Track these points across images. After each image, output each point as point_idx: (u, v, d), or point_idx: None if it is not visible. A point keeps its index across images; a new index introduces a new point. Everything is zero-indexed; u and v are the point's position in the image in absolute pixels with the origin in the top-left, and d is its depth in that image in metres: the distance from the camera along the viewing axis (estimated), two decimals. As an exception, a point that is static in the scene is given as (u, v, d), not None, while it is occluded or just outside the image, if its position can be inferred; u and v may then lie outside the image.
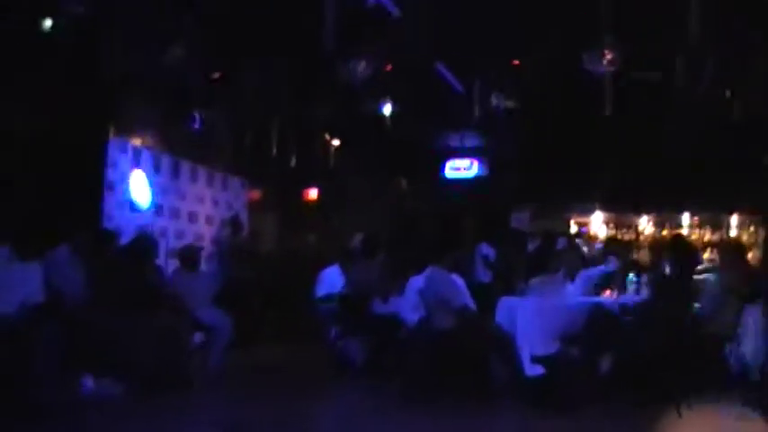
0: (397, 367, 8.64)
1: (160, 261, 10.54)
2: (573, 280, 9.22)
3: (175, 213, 12.49)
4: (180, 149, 12.80)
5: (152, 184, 11.81)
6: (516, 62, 11.70)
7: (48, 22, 9.54)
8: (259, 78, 11.58)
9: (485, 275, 12.28)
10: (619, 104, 10.99)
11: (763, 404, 6.78)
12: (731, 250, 9.13)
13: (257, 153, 13.56)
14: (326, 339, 10.42)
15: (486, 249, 12.68)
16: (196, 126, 12.40)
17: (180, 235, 12.46)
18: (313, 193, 17.03)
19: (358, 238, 11.31)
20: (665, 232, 16.37)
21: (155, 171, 11.95)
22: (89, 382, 7.04)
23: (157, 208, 11.97)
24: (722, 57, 10.14)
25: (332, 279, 10.48)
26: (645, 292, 8.90)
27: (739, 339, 7.52)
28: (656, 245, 12.79)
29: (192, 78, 11.32)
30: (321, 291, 10.46)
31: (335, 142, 15.88)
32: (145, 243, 8.76)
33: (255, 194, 15.33)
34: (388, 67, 10.77)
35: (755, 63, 10.41)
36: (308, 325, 11.07)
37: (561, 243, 11.84)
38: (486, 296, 9.41)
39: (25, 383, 6.05)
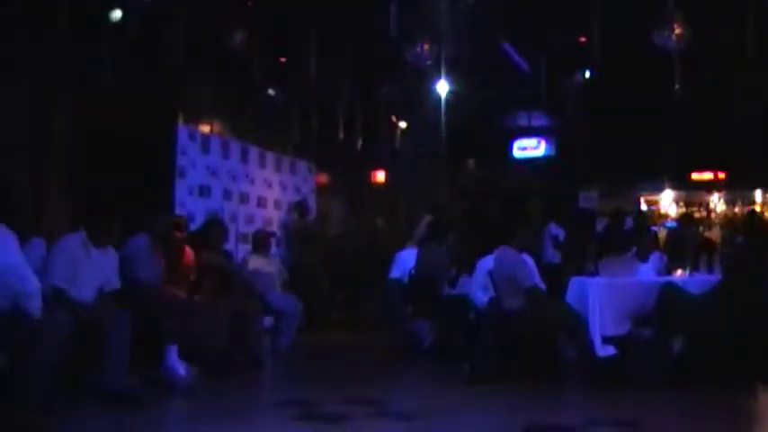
0: (467, 349, 8.63)
1: (230, 246, 10.69)
2: (645, 260, 9.09)
3: (244, 198, 12.62)
4: (248, 134, 12.94)
5: (221, 170, 11.96)
6: (584, 39, 11.55)
7: (117, 13, 9.72)
8: (325, 62, 11.63)
9: (554, 256, 12.22)
10: (688, 81, 10.82)
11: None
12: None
13: (324, 137, 13.63)
14: (396, 322, 10.45)
15: (555, 230, 12.60)
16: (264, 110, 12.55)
17: (249, 219, 12.60)
18: (380, 176, 17.09)
19: (426, 221, 11.32)
20: (736, 210, 16.11)
21: (223, 157, 12.09)
22: (178, 365, 7.16)
23: (226, 193, 12.11)
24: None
25: (407, 261, 10.50)
26: (718, 271, 8.76)
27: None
28: (729, 222, 12.54)
29: (258, 63, 11.40)
30: (396, 272, 10.49)
31: (402, 124, 15.90)
32: (216, 228, 8.87)
33: (323, 178, 15.43)
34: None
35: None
36: (378, 308, 11.13)
37: (628, 223, 11.70)
38: (555, 276, 9.36)
39: (102, 370, 6.15)
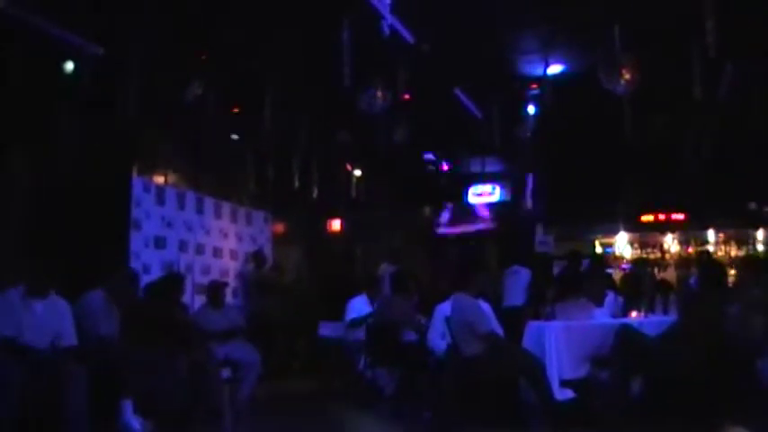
0: (427, 395, 8.64)
1: (186, 297, 10.63)
2: (600, 303, 9.19)
3: (200, 249, 12.59)
4: (203, 185, 12.94)
5: (177, 221, 11.94)
6: (534, 85, 11.75)
7: (69, 65, 9.71)
8: (279, 111, 11.69)
9: (516, 298, 12.19)
10: (640, 122, 11.01)
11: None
12: (753, 265, 9.05)
13: (279, 186, 13.66)
14: (356, 369, 10.45)
15: (522, 270, 12.68)
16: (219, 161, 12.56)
17: (205, 270, 12.56)
18: (336, 224, 17.12)
19: (384, 268, 11.38)
20: (690, 250, 16.33)
21: (179, 208, 12.07)
22: (134, 420, 7.08)
23: (182, 244, 12.07)
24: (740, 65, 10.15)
25: (359, 307, 10.57)
26: (673, 311, 8.87)
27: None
28: (683, 262, 12.71)
29: (213, 114, 11.43)
30: (349, 316, 10.54)
31: (357, 172, 15.97)
32: (172, 281, 8.83)
33: (279, 227, 15.43)
34: (406, 96, 10.81)
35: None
36: (337, 356, 11.11)
37: (585, 265, 11.82)
38: (516, 320, 9.42)
39: (58, 422, 6.08)
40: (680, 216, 16.53)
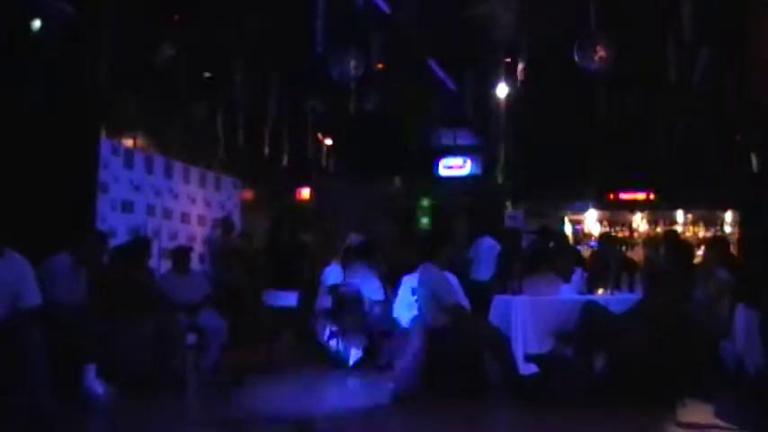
0: (391, 366, 8.68)
1: (153, 262, 10.58)
2: (567, 279, 9.25)
3: (168, 214, 12.52)
4: (172, 150, 12.85)
5: (145, 185, 11.86)
6: (508, 59, 11.73)
7: (37, 23, 9.55)
8: (250, 77, 11.60)
9: (486, 272, 12.21)
10: (612, 101, 11.06)
11: (757, 404, 6.82)
12: (719, 246, 9.13)
13: (250, 153, 13.59)
14: (322, 338, 10.50)
15: (492, 242, 12.71)
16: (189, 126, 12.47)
17: (173, 236, 12.50)
18: (305, 193, 17.09)
19: (353, 238, 11.39)
20: (659, 229, 16.47)
21: (147, 172, 11.98)
22: (96, 385, 7.05)
23: (150, 208, 12.00)
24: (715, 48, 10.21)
25: (335, 275, 10.66)
26: (639, 290, 8.94)
27: (733, 336, 7.53)
28: (651, 241, 12.79)
29: (183, 78, 11.32)
30: (326, 283, 10.64)
31: (328, 141, 15.93)
32: (139, 245, 8.79)
33: (248, 195, 15.37)
34: (380, 65, 10.78)
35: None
36: (304, 325, 11.13)
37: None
38: (483, 294, 9.47)
39: (19, 388, 6.03)
40: (649, 195, 16.67)
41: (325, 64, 10.09)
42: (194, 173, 13.41)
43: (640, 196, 16.80)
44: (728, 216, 16.16)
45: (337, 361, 10.09)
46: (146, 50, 10.34)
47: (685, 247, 9.85)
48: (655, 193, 16.56)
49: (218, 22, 10.40)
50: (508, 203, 16.46)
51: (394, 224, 16.15)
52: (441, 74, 12.84)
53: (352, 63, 10.02)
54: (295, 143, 14.14)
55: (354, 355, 10.00)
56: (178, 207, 12.84)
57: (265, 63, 11.59)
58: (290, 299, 10.88)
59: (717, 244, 9.27)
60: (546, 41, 10.72)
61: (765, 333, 7.13)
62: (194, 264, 11.08)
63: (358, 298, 10.03)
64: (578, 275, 9.46)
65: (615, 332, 7.66)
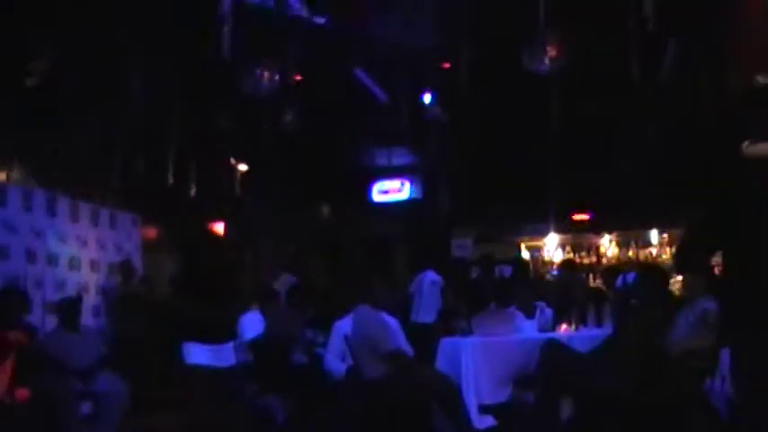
0: (323, 424, 8.58)
1: (35, 318, 10.35)
2: (530, 315, 9.25)
3: (53, 260, 12.29)
4: (56, 183, 12.63)
5: (22, 226, 11.63)
6: (447, 65, 11.78)
7: None
8: (148, 92, 11.48)
9: (427, 314, 12.20)
10: (570, 106, 11.13)
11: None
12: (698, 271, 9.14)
13: (150, 183, 13.44)
14: (243, 397, 10.34)
15: (435, 277, 12.70)
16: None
17: (59, 285, 12.25)
18: (219, 228, 16.95)
19: (285, 280, 11.31)
20: (630, 253, 16.57)
21: (24, 209, 11.75)
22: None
23: (30, 254, 11.76)
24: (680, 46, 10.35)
25: (254, 325, 10.43)
26: (608, 324, 8.96)
27: (722, 375, 7.54)
28: (610, 271, 12.66)
29: (67, 96, 11.17)
30: (244, 336, 10.43)
31: (242, 167, 15.85)
32: (9, 296, 8.59)
33: (150, 232, 15.18)
34: (297, 77, 10.76)
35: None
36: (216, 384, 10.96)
37: (507, 271, 11.90)
38: (426, 337, 9.42)
39: None
40: (619, 214, 16.77)
41: (235, 77, 10.05)
42: (84, 209, 13.18)
43: (608, 216, 16.90)
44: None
45: (263, 421, 9.95)
46: (16, 65, 10.16)
47: (659, 273, 9.90)
48: (625, 211, 16.68)
49: (107, 24, 10.27)
50: (454, 230, 16.47)
51: (322, 261, 16.09)
52: (370, 84, 12.84)
53: (266, 75, 10.00)
54: (204, 169, 14.03)
55: (281, 413, 9.88)
56: (65, 251, 12.60)
57: (165, 75, 11.48)
58: (217, 355, 10.71)
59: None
60: (489, 40, 10.81)
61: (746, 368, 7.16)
62: (87, 318, 10.86)
63: (280, 348, 9.90)
64: (540, 310, 9.47)
65: (583, 374, 7.65)
